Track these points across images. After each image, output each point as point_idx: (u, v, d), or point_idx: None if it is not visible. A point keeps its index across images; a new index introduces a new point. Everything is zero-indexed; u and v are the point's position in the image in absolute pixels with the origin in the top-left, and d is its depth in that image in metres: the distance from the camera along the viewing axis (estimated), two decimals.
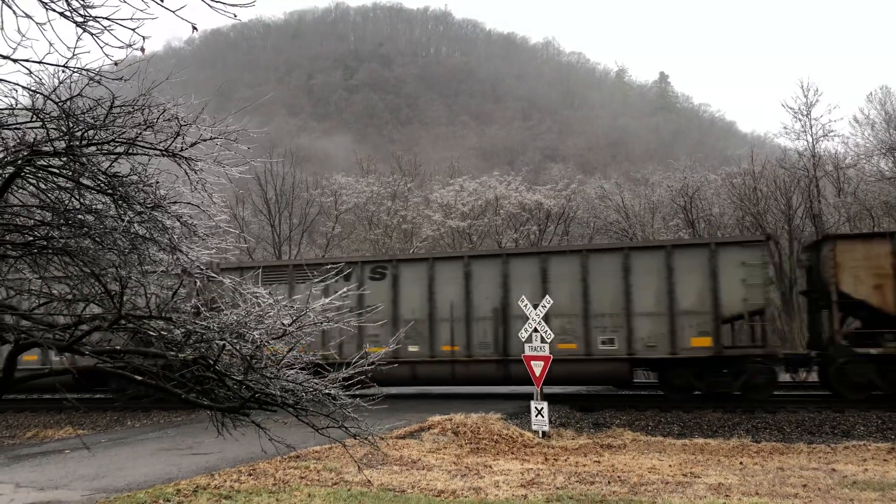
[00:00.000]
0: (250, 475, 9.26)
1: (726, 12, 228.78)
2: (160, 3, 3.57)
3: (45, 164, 4.49)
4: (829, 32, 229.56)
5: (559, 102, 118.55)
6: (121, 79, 4.28)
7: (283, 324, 4.65)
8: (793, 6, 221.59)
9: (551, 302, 13.94)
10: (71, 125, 4.29)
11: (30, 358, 17.42)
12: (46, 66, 4.12)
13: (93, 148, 4.46)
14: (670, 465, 10.13)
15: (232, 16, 3.93)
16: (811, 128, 31.60)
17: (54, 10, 3.80)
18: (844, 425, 14.01)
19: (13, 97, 4.39)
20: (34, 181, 4.62)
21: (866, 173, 32.37)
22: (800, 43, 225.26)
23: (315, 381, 4.91)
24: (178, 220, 4.88)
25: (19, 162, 4.33)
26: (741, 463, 10.44)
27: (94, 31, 3.84)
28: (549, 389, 14.89)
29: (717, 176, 36.88)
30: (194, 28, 3.90)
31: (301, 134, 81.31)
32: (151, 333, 4.72)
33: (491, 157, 75.26)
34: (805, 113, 31.66)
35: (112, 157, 4.58)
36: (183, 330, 4.59)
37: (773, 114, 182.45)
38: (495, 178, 38.23)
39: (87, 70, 4.13)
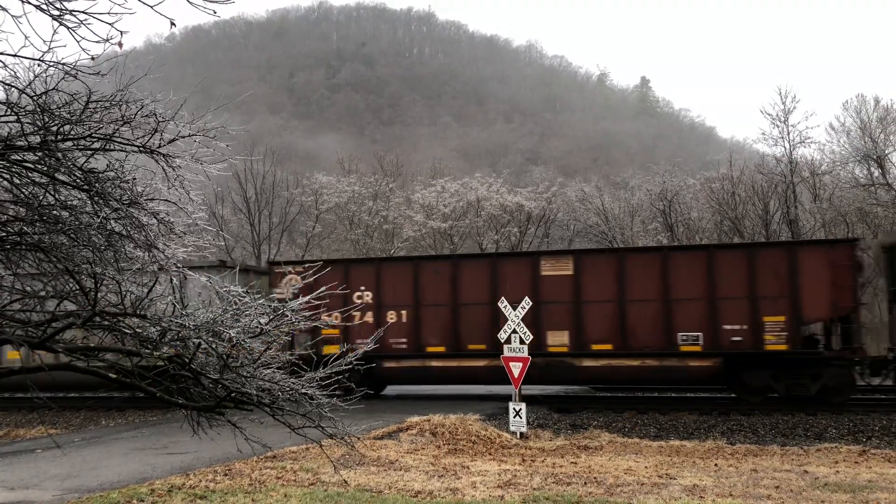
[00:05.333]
0: (226, 475, 9.19)
1: (707, 19, 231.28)
2: None
3: (19, 158, 4.42)
4: (807, 42, 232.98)
5: (541, 105, 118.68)
6: (98, 73, 4.23)
7: (259, 322, 4.62)
8: (773, 14, 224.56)
9: (530, 304, 14.01)
10: (46, 120, 4.23)
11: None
12: (21, 59, 4.07)
13: (69, 143, 4.41)
14: (646, 467, 10.21)
15: (212, 12, 3.92)
16: (788, 134, 31.94)
17: (30, 3, 3.75)
18: (817, 428, 14.22)
19: None
20: (8, 176, 4.55)
21: (841, 180, 32.83)
22: (779, 51, 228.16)
23: (292, 380, 4.89)
24: (155, 217, 4.84)
25: None
26: (716, 465, 10.55)
27: (70, 25, 3.80)
28: (526, 391, 14.94)
29: (695, 180, 37.18)
30: (172, 24, 3.87)
31: (282, 132, 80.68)
32: (126, 331, 4.67)
33: (473, 159, 75.18)
34: (783, 119, 32.00)
35: (88, 152, 4.53)
36: (158, 328, 4.55)
37: (752, 119, 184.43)
38: (477, 180, 38.21)
39: (64, 64, 4.08)
